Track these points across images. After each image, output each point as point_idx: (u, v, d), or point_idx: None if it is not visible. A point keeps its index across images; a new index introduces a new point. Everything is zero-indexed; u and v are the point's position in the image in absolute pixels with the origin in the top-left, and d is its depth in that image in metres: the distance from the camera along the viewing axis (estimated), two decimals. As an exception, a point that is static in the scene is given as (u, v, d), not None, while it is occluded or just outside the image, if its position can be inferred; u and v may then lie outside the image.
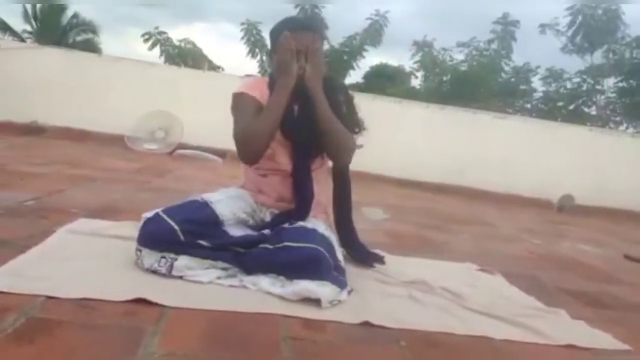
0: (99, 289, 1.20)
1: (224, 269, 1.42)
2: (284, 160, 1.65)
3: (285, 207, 1.66)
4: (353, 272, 1.64)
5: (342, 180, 1.81)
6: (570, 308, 1.63)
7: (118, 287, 1.23)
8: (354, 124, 1.71)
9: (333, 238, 1.61)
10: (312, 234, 1.46)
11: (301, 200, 1.64)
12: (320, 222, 1.63)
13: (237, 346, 1.05)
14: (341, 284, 1.41)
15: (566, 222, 4.76)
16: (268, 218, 1.65)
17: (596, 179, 5.96)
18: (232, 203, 1.58)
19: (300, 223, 1.53)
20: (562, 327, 1.44)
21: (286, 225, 1.52)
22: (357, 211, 1.88)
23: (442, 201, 4.95)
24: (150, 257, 1.38)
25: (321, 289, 1.32)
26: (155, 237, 1.39)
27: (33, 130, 5.45)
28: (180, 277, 1.37)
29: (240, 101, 1.65)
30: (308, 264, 1.35)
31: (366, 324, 1.26)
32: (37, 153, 3.99)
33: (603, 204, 5.84)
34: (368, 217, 3.06)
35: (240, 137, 1.56)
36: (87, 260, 1.42)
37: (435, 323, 1.33)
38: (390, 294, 1.53)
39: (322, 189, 1.75)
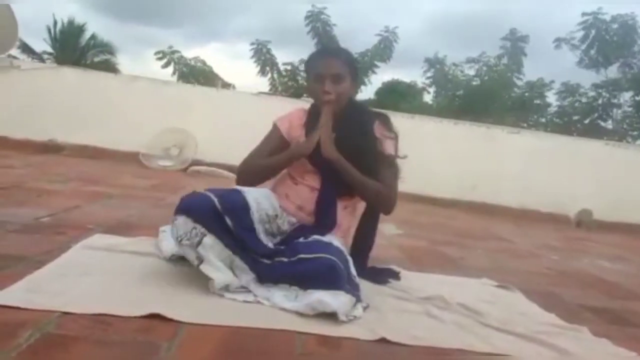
0: (114, 304, 1.20)
1: (237, 272, 1.42)
2: (313, 182, 1.70)
3: (304, 218, 1.67)
4: (369, 288, 1.62)
5: (371, 214, 1.82)
6: (593, 325, 1.58)
7: (133, 303, 1.23)
8: (387, 162, 1.72)
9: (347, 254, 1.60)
10: (327, 247, 1.46)
11: (322, 225, 1.65)
12: (335, 237, 1.62)
13: (252, 363, 1.04)
14: (355, 295, 1.39)
15: (584, 238, 4.67)
16: (285, 226, 1.66)
17: (614, 194, 5.86)
18: (260, 199, 1.60)
19: (315, 237, 1.53)
20: (585, 345, 1.39)
21: (301, 239, 1.52)
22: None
23: (456, 216, 4.89)
24: (185, 226, 1.38)
25: (335, 300, 1.30)
26: (193, 205, 1.41)
27: (50, 148, 5.54)
28: (199, 264, 1.37)
29: (269, 132, 1.83)
30: (322, 273, 1.35)
31: (382, 340, 1.23)
32: (54, 170, 4.05)
33: (622, 219, 5.73)
34: (382, 233, 3.03)
35: (239, 167, 1.80)
36: (103, 276, 1.43)
37: (452, 340, 1.30)
38: (407, 310, 1.51)
39: (347, 213, 1.75)
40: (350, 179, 1.65)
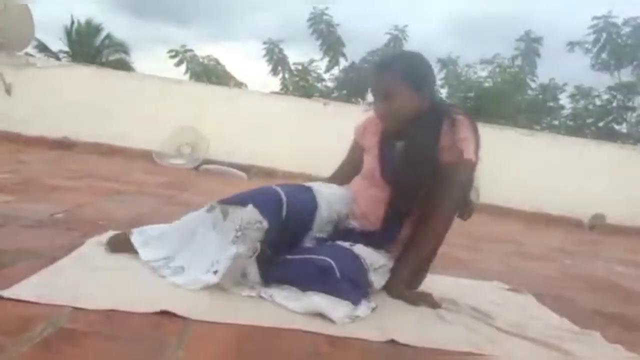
0: (125, 300, 1.21)
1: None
2: (379, 194, 1.60)
3: (366, 226, 1.61)
4: (379, 290, 1.61)
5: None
6: (606, 331, 1.55)
7: (144, 299, 1.24)
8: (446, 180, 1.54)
9: (373, 259, 1.55)
10: (336, 250, 1.46)
11: (384, 236, 1.59)
12: (369, 249, 1.55)
13: (261, 361, 1.04)
14: (355, 298, 1.36)
15: (598, 242, 4.61)
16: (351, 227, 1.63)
17: (628, 198, 5.79)
18: (333, 199, 1.58)
19: (339, 243, 1.53)
20: (598, 350, 1.37)
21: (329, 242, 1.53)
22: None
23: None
24: (252, 215, 1.37)
25: (332, 308, 1.29)
26: (264, 200, 1.42)
27: (64, 145, 5.61)
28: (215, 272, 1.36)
29: (352, 142, 1.79)
30: (312, 274, 1.36)
31: (392, 341, 1.22)
32: (67, 167, 4.09)
33: (636, 223, 5.65)
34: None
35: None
36: (114, 272, 1.44)
37: (462, 342, 1.29)
38: (417, 311, 1.50)
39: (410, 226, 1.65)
40: (420, 261, 1.63)
